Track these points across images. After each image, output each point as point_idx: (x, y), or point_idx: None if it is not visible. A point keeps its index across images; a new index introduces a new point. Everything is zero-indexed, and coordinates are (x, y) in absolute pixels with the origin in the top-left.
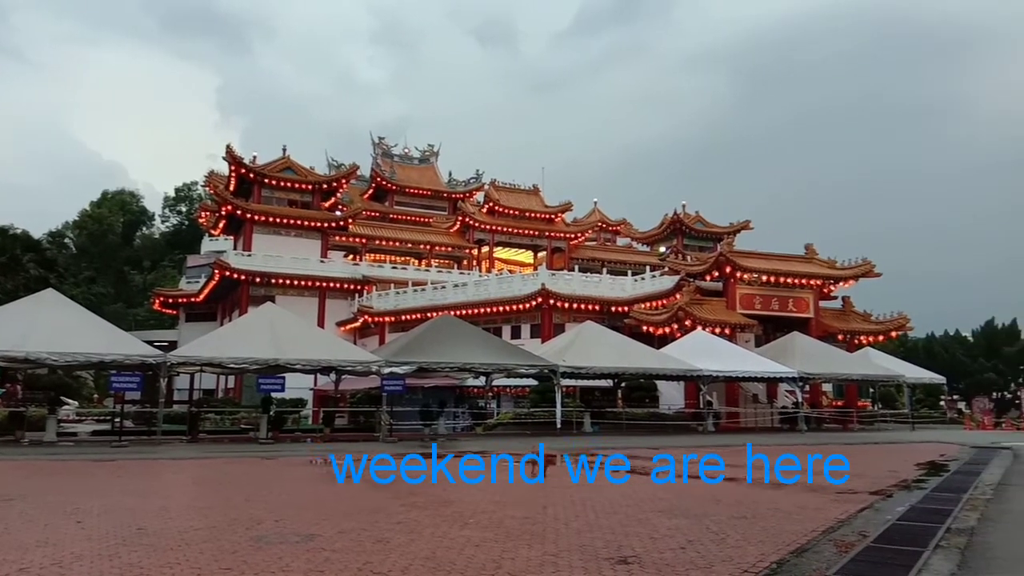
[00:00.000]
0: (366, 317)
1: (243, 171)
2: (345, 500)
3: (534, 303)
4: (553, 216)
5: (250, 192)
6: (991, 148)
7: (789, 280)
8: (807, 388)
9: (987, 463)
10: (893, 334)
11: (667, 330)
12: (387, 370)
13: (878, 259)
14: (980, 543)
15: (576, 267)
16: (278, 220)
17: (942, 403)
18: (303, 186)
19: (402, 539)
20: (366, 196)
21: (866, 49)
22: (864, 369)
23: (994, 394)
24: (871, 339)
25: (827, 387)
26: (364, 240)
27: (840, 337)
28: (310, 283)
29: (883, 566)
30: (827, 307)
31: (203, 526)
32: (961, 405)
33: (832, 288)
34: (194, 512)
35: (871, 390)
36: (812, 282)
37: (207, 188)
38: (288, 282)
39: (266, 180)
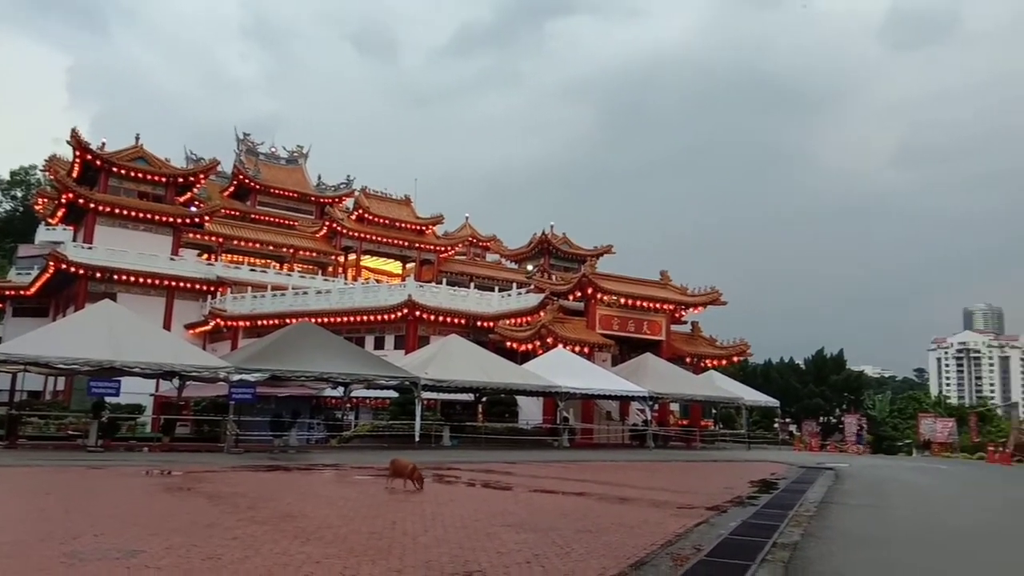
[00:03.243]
0: (218, 320)
1: (89, 157)
2: (178, 514)
3: (400, 314)
4: (424, 228)
5: (96, 181)
6: (831, 196)
7: (645, 304)
8: (656, 407)
9: (812, 482)
10: (735, 359)
11: (530, 347)
12: (236, 377)
13: (725, 290)
14: (801, 558)
15: (444, 280)
16: (125, 212)
17: (776, 425)
18: (156, 178)
19: (236, 555)
20: (226, 194)
21: (715, 97)
22: (708, 391)
23: (821, 418)
24: (716, 363)
25: (675, 406)
26: (221, 239)
27: (688, 360)
28: (157, 281)
29: None
30: (678, 331)
31: (10, 540)
32: (792, 427)
33: (683, 313)
34: (1, 524)
35: (713, 411)
36: (665, 306)
37: (47, 173)
38: (133, 279)
39: (115, 169)
